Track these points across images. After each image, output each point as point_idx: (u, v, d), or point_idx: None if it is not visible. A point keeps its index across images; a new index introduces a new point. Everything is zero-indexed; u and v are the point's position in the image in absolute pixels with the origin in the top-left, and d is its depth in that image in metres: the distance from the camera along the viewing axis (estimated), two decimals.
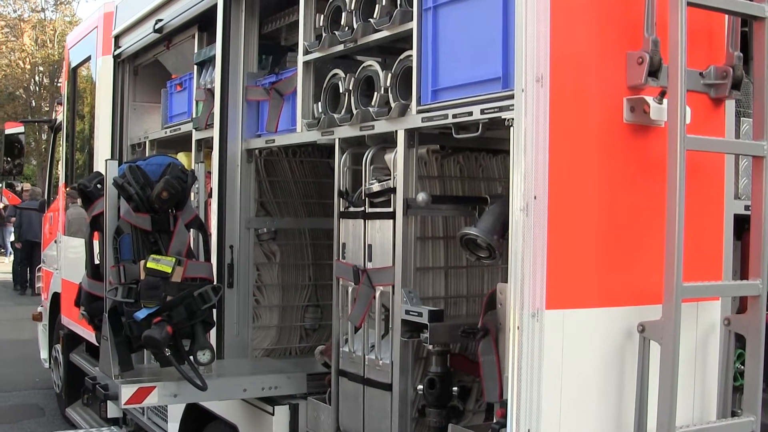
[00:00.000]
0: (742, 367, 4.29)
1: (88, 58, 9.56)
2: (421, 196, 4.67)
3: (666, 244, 3.81)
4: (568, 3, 3.82)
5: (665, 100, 3.89)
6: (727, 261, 4.27)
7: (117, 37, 8.56)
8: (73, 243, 9.48)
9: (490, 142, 5.07)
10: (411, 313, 4.63)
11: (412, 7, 4.65)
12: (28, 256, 22.68)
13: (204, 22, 6.89)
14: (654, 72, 3.89)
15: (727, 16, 4.21)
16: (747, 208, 4.26)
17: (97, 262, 5.84)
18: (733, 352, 4.31)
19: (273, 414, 5.58)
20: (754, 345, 4.15)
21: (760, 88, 4.16)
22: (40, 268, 12.49)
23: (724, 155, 4.25)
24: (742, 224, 4.33)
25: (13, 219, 24.44)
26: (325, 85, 5.46)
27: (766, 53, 4.14)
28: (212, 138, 6.45)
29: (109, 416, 8.35)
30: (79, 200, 6.53)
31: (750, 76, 4.27)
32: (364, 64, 5.14)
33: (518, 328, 3.77)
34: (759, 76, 4.17)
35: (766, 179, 4.14)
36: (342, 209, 5.24)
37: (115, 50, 8.56)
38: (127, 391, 5.26)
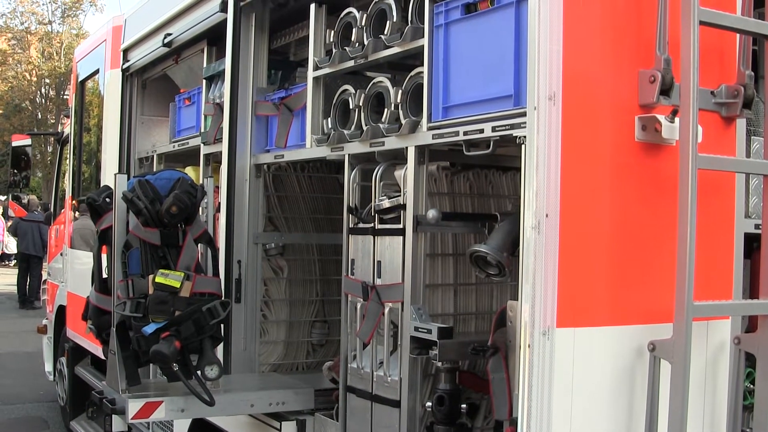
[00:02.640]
0: (752, 386, 4.28)
1: (97, 72, 9.57)
2: (431, 213, 4.67)
3: (677, 262, 3.80)
4: (580, 21, 3.83)
5: (677, 119, 3.88)
6: (738, 280, 4.26)
7: (126, 51, 8.58)
8: (79, 256, 9.49)
9: (500, 160, 5.08)
10: (420, 329, 4.63)
11: (423, 24, 4.65)
12: (25, 270, 22.67)
13: (213, 36, 6.91)
14: (666, 90, 3.89)
15: (738, 35, 4.21)
16: (757, 226, 4.25)
17: (105, 276, 5.84)
18: (743, 371, 4.29)
19: (280, 429, 5.58)
20: (764, 364, 4.15)
21: None
22: (45, 280, 12.48)
23: (735, 174, 4.24)
24: (751, 243, 4.32)
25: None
26: (335, 101, 5.46)
27: None
28: (221, 153, 6.45)
29: (114, 430, 8.32)
30: (84, 212, 6.52)
31: (761, 95, 4.27)
32: (374, 81, 5.15)
33: (529, 346, 3.77)
34: None
35: None
36: (351, 225, 5.24)
37: (123, 64, 8.58)
38: (134, 406, 5.25)
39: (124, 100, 8.64)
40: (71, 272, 9.99)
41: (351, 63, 5.30)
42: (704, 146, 3.88)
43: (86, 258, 8.50)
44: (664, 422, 3.85)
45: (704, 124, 3.95)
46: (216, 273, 5.70)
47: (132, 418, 5.30)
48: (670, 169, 3.92)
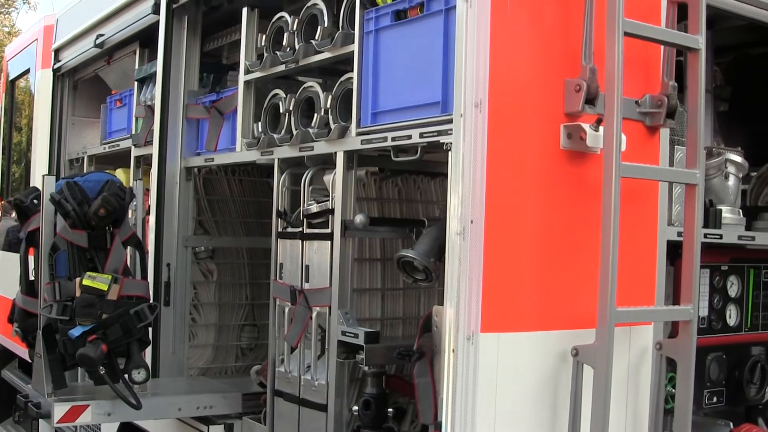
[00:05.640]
0: (673, 390, 4.34)
1: (27, 71, 9.47)
2: (359, 218, 4.69)
3: (600, 269, 3.85)
4: (507, 29, 3.86)
5: (601, 128, 3.93)
6: (660, 286, 4.31)
7: (57, 51, 8.51)
8: (5, 257, 9.36)
9: (429, 165, 5.12)
10: (347, 334, 4.64)
11: (354, 30, 4.67)
12: None
13: (145, 38, 6.88)
14: (591, 99, 3.93)
15: (662, 46, 4.28)
16: (680, 234, 4.32)
17: (32, 278, 5.78)
18: (665, 375, 4.36)
19: None
20: (684, 369, 4.21)
21: (694, 117, 4.22)
22: None
23: (659, 182, 4.31)
24: (675, 250, 4.39)
25: None
26: (265, 105, 5.47)
27: (699, 83, 4.21)
28: (151, 155, 6.43)
29: None
30: (13, 213, 6.45)
31: (684, 106, 4.34)
32: (304, 85, 5.16)
33: (453, 350, 3.79)
34: (692, 105, 4.23)
35: (699, 206, 4.20)
36: (280, 229, 5.24)
37: (54, 64, 8.52)
38: (60, 410, 5.19)
39: (55, 100, 8.57)
40: None
41: (282, 67, 5.31)
42: (628, 155, 3.94)
43: (12, 259, 8.39)
44: (587, 426, 3.90)
45: (628, 133, 4.00)
46: (144, 276, 5.67)
47: (58, 422, 5.24)
48: (594, 177, 3.96)
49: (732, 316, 4.91)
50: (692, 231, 4.20)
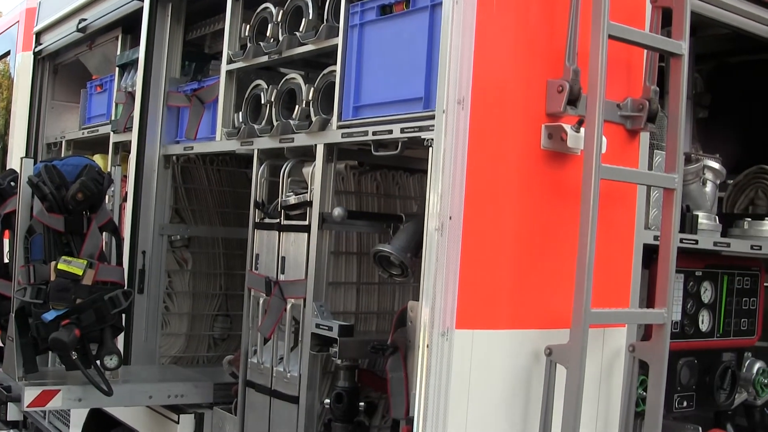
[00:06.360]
0: (644, 393, 4.37)
1: (8, 53, 9.42)
2: (337, 211, 4.69)
3: (576, 269, 3.86)
4: (493, 28, 3.86)
5: (582, 129, 3.95)
6: (635, 289, 4.34)
7: (38, 34, 8.46)
8: None
9: (408, 161, 5.12)
10: (321, 326, 4.64)
11: (338, 23, 4.66)
12: None
13: (128, 24, 6.85)
14: (573, 101, 3.94)
15: (645, 50, 4.30)
16: (656, 238, 4.34)
17: (6, 261, 5.75)
18: (637, 378, 4.38)
19: (178, 422, 5.55)
20: (656, 372, 4.23)
21: (674, 122, 4.25)
22: None
23: (637, 186, 4.32)
24: (649, 254, 4.41)
25: None
26: (247, 96, 5.45)
27: (681, 89, 4.23)
28: (130, 141, 6.40)
29: (8, 419, 8.18)
30: None
31: (665, 110, 4.36)
32: (287, 77, 5.15)
33: (427, 346, 3.79)
34: (673, 110, 4.25)
35: (676, 211, 4.23)
36: (257, 220, 5.23)
37: (35, 47, 8.46)
38: (30, 394, 5.16)
39: (34, 83, 8.53)
40: None
41: (265, 58, 5.29)
42: (608, 157, 3.95)
43: None
44: (558, 426, 3.91)
45: (609, 136, 4.01)
46: (120, 262, 5.64)
47: (27, 406, 5.21)
48: (573, 178, 3.98)
49: (705, 321, 4.94)
50: (669, 235, 4.22)
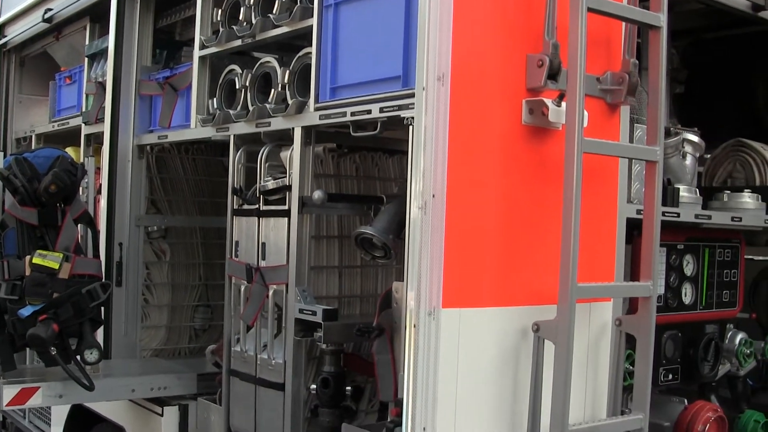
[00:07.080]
0: (632, 367, 4.36)
1: None
2: (318, 194, 4.65)
3: (562, 245, 3.84)
4: (471, 3, 3.82)
5: (564, 103, 3.92)
6: (620, 263, 4.33)
7: (3, 26, 8.37)
8: None
9: (387, 142, 5.09)
10: (305, 312, 4.60)
11: (312, 4, 4.61)
12: None
13: (96, 13, 6.78)
14: (553, 75, 3.91)
15: (624, 23, 4.28)
16: (639, 212, 4.33)
17: None
18: (624, 352, 4.38)
19: (162, 415, 5.49)
20: (643, 345, 4.23)
21: (654, 94, 4.23)
22: None
23: (618, 160, 4.31)
24: (633, 228, 4.40)
25: None
26: (221, 81, 5.41)
27: (660, 61, 4.21)
28: (102, 133, 6.33)
29: None
30: None
31: (644, 84, 4.34)
32: (261, 61, 5.10)
33: (414, 326, 3.75)
34: (653, 82, 4.24)
35: (658, 184, 4.21)
36: (236, 207, 5.18)
37: (0, 39, 8.35)
38: (9, 392, 5.07)
39: (0, 78, 8.42)
40: None
41: (238, 42, 5.24)
42: (589, 131, 3.92)
43: None
44: (548, 401, 3.89)
45: (590, 110, 4.00)
46: (96, 254, 5.57)
47: (6, 405, 5.13)
48: (556, 153, 3.95)
49: (687, 294, 4.95)
50: (652, 208, 4.21)
